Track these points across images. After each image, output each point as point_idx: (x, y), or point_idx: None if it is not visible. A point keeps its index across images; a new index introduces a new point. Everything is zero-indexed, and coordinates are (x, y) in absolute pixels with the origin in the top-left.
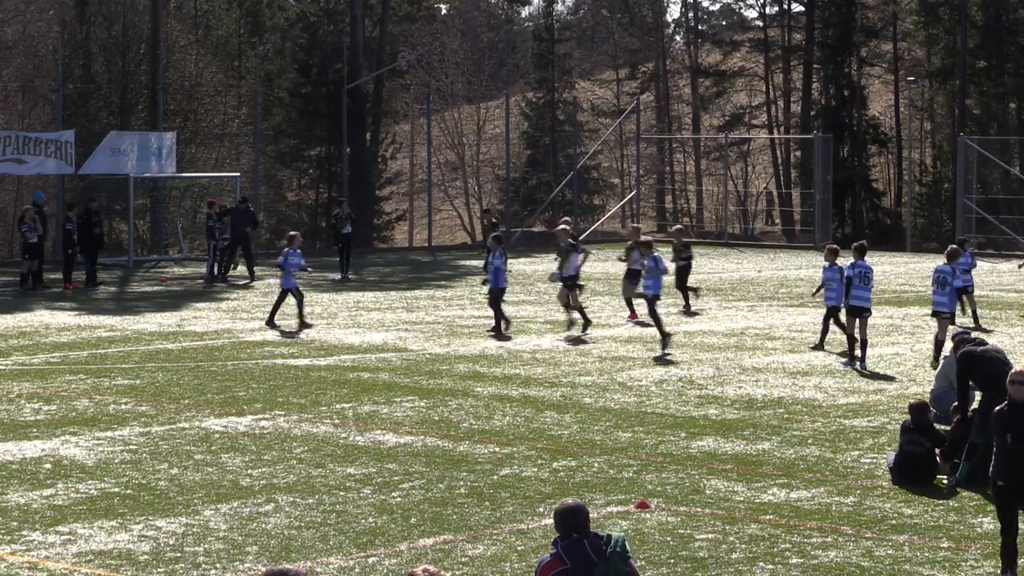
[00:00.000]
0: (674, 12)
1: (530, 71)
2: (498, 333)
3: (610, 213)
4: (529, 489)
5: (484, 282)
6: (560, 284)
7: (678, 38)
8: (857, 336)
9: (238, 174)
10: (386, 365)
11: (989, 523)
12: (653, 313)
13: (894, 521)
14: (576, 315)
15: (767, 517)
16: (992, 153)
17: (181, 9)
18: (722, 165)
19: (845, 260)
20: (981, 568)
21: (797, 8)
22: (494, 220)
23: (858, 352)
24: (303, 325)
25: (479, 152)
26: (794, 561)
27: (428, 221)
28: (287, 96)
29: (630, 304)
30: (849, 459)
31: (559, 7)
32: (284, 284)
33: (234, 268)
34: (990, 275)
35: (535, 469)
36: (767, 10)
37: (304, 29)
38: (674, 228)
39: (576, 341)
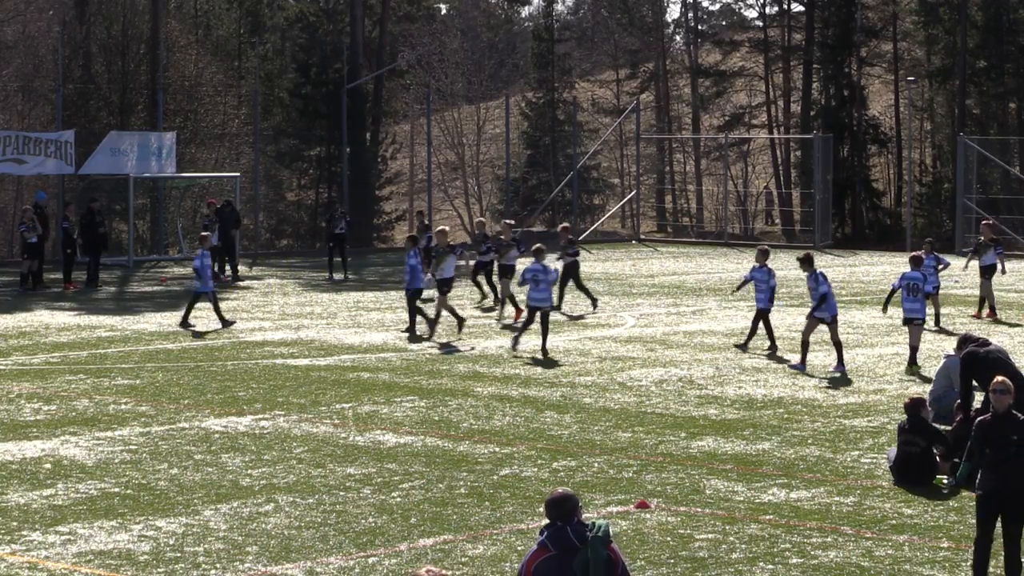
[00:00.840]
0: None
1: (530, 71)
2: (412, 334)
3: (610, 213)
4: (529, 489)
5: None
6: (434, 288)
7: (678, 38)
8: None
9: (238, 174)
10: (386, 365)
11: None
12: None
13: (894, 521)
14: (441, 317)
15: (767, 517)
16: (992, 153)
17: (181, 9)
18: (722, 165)
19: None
20: None
21: (797, 8)
22: (426, 222)
23: (836, 357)
24: (224, 323)
25: (479, 152)
26: (794, 561)
27: (428, 221)
28: (287, 96)
29: (513, 302)
30: (849, 459)
31: (559, 7)
32: (201, 288)
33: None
34: None
35: (535, 469)
36: (767, 10)
37: (304, 29)
38: (560, 227)
39: (446, 347)
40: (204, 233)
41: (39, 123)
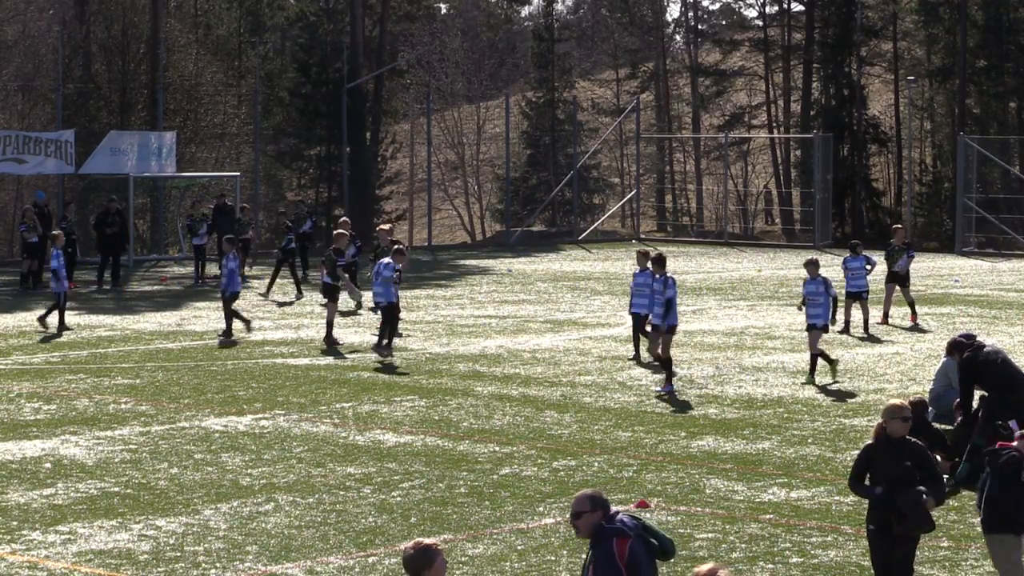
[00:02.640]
0: (674, 11)
1: (530, 71)
2: (227, 338)
3: (610, 212)
4: (529, 489)
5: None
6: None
7: (678, 37)
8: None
9: (238, 174)
10: (386, 365)
11: None
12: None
13: None
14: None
15: (767, 516)
16: (992, 153)
17: (181, 9)
18: (722, 165)
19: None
20: (981, 568)
21: (797, 8)
22: (289, 223)
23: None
24: (62, 327)
25: (479, 152)
26: (794, 561)
27: (428, 221)
28: (287, 96)
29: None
30: (849, 459)
31: (559, 6)
32: (57, 288)
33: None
34: (990, 275)
35: (535, 469)
36: (767, 9)
37: (304, 28)
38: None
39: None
40: (55, 232)
41: (39, 123)
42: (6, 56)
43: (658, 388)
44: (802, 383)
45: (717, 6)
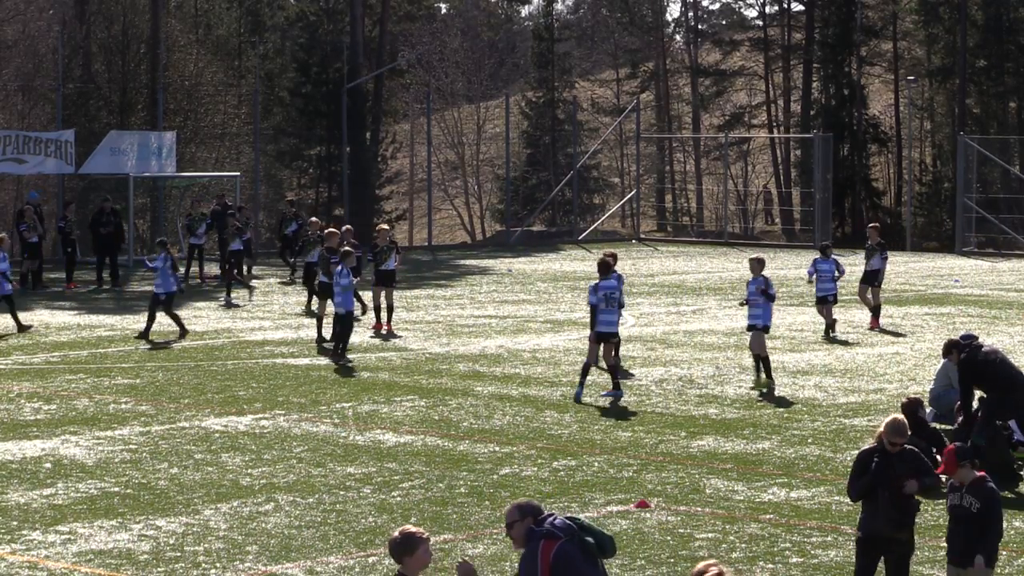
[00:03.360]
0: (674, 11)
1: (530, 70)
2: (145, 336)
3: (610, 212)
4: (529, 489)
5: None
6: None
7: (678, 37)
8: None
9: (238, 174)
10: (386, 365)
11: None
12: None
13: None
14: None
15: (767, 517)
16: (992, 152)
17: (181, 9)
18: (722, 165)
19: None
20: None
21: (797, 7)
22: (241, 224)
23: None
24: (20, 328)
25: (479, 151)
26: (794, 561)
27: (428, 220)
28: (287, 95)
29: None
30: (849, 459)
31: (559, 6)
32: (2, 291)
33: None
34: (990, 275)
35: (535, 469)
36: (767, 9)
37: (304, 28)
38: (380, 227)
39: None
40: (1, 235)
41: (39, 123)
42: (6, 56)
43: (611, 392)
44: (750, 388)
45: (717, 6)
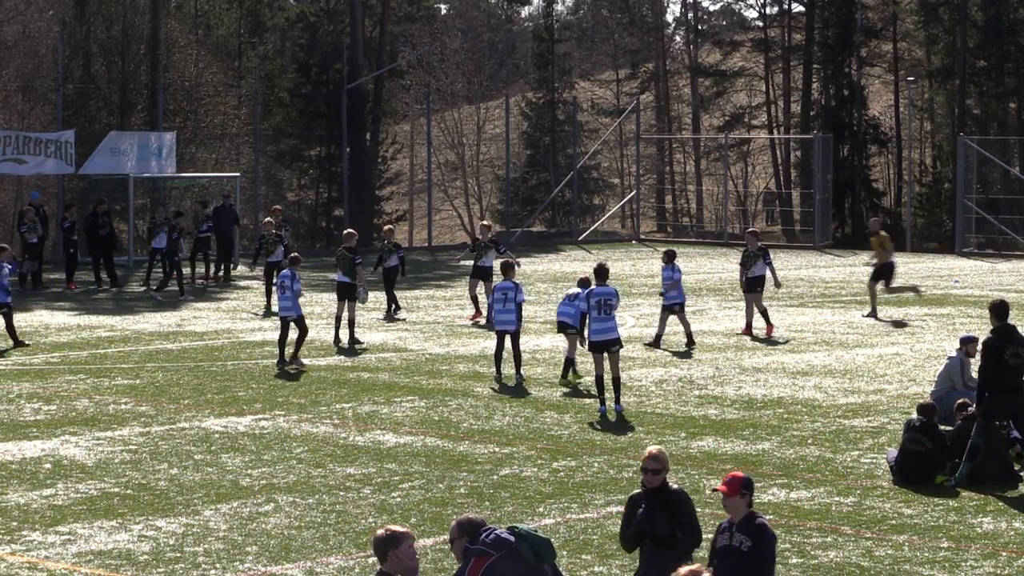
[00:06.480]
0: (674, 12)
1: (530, 71)
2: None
3: (610, 213)
4: (529, 489)
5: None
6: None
7: (678, 38)
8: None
9: (238, 174)
10: (386, 365)
11: (989, 523)
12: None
13: (894, 521)
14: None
15: (767, 517)
16: (992, 153)
17: (181, 9)
18: (722, 165)
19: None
20: (981, 568)
21: (797, 8)
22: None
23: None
24: (17, 344)
25: (479, 152)
26: (794, 561)
27: (428, 221)
28: (287, 96)
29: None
30: (849, 459)
31: (559, 7)
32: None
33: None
34: (990, 275)
35: (535, 469)
36: (767, 10)
37: (304, 29)
38: (386, 228)
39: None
40: (2, 245)
41: (39, 123)
42: (6, 56)
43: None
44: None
45: (717, 6)
